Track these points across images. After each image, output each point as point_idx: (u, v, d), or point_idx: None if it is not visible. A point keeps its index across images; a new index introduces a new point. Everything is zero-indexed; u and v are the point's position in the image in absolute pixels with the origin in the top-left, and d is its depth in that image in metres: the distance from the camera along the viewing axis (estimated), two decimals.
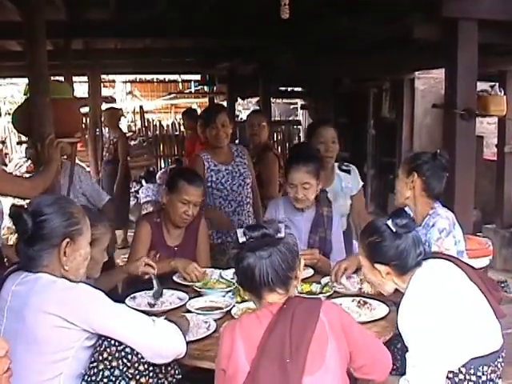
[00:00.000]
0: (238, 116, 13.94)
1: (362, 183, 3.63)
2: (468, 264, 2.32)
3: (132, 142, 10.31)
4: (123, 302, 2.23)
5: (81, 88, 11.12)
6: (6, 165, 10.93)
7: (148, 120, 13.89)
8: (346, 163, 3.61)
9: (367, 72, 7.24)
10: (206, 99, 13.61)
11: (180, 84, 16.33)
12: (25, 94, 3.48)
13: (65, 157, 3.56)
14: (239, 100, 12.05)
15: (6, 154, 12.73)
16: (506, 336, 2.21)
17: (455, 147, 3.60)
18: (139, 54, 7.64)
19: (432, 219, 2.56)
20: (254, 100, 13.12)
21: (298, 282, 1.85)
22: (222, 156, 3.78)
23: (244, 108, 16.52)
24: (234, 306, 2.42)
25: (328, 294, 2.57)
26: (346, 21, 4.46)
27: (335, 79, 8.01)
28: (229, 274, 2.82)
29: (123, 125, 12.50)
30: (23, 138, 8.83)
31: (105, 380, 1.85)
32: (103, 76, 10.14)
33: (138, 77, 14.67)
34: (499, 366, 2.13)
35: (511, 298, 2.60)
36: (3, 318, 1.84)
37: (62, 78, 6.14)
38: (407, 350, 2.02)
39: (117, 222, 6.54)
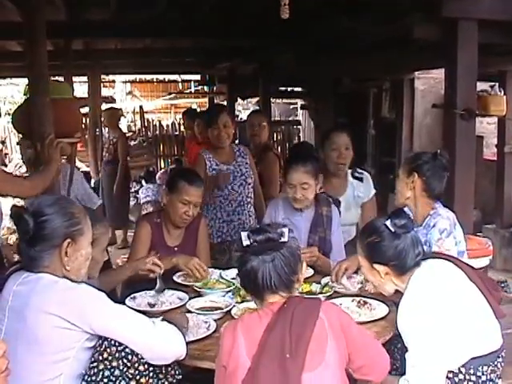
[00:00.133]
0: (238, 116, 13.95)
1: (374, 191, 3.54)
2: (468, 264, 2.32)
3: (132, 142, 10.30)
4: (123, 303, 2.23)
5: (81, 88, 11.15)
6: (5, 165, 10.95)
7: (148, 120, 13.90)
8: (359, 170, 3.54)
9: (367, 72, 7.22)
10: (206, 99, 13.62)
11: (180, 84, 16.34)
12: (25, 94, 3.49)
13: (65, 157, 3.56)
14: (239, 100, 12.03)
15: (6, 154, 12.74)
16: (506, 336, 2.21)
17: (455, 147, 3.59)
18: (139, 54, 7.65)
19: (433, 219, 2.56)
20: (254, 100, 13.11)
21: (299, 284, 1.87)
22: (223, 156, 3.80)
23: (244, 108, 16.52)
24: (234, 306, 2.42)
25: (328, 293, 2.57)
26: (345, 21, 4.46)
27: (335, 79, 7.98)
28: (229, 273, 2.83)
29: (123, 125, 12.51)
30: None
31: (105, 380, 1.85)
32: (103, 76, 10.16)
33: (138, 77, 14.68)
34: (499, 365, 2.13)
35: (511, 297, 2.61)
36: (4, 317, 1.84)
37: (62, 78, 6.15)
38: (407, 350, 2.03)
39: (117, 222, 6.57)
